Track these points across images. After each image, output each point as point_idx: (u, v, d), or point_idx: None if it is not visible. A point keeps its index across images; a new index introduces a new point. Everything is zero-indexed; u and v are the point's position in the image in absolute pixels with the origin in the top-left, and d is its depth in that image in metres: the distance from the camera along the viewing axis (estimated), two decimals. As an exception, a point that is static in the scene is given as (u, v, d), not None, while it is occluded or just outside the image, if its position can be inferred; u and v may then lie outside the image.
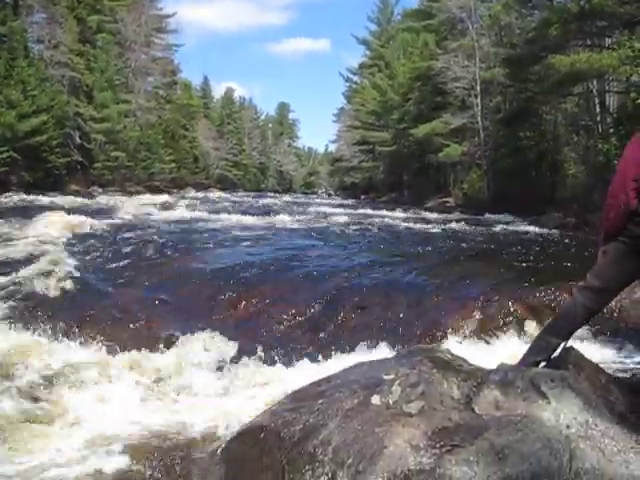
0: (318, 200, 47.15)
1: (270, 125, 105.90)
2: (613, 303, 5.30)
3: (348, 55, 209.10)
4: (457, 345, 5.17)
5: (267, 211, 21.11)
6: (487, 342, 5.37)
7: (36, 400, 4.11)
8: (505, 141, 26.11)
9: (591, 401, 2.66)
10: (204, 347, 5.30)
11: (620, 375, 4.11)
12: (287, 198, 44.98)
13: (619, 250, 3.23)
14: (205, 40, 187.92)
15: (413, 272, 7.53)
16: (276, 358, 5.13)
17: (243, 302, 6.39)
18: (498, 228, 15.72)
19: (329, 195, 68.85)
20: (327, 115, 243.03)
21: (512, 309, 5.95)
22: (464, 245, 10.95)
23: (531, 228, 15.80)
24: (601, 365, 3.71)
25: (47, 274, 6.97)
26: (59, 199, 25.48)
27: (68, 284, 6.74)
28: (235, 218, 16.07)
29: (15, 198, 26.86)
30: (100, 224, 12.54)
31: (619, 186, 3.20)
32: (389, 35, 58.12)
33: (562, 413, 2.55)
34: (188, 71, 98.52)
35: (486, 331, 5.55)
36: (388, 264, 8.11)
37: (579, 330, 3.81)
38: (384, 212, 22.81)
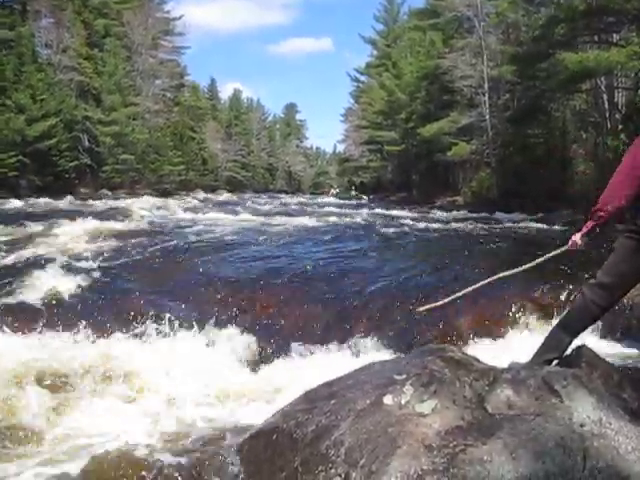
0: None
1: (278, 126, 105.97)
2: (625, 300, 5.28)
3: (351, 54, 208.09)
4: (468, 344, 5.17)
5: (276, 212, 21.14)
6: (498, 340, 5.36)
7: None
8: (513, 139, 26.02)
9: (604, 399, 2.65)
10: (217, 346, 5.33)
11: (633, 372, 4.10)
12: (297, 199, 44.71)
13: (628, 246, 3.22)
14: (207, 41, 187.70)
15: (424, 271, 7.53)
16: (288, 358, 5.14)
17: (255, 303, 6.41)
18: (508, 226, 15.67)
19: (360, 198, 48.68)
20: (333, 115, 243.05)
21: (523, 307, 5.94)
22: (474, 244, 10.92)
23: (541, 226, 15.72)
24: (614, 362, 3.70)
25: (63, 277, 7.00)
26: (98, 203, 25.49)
27: (83, 287, 6.77)
28: (246, 218, 16.11)
29: (29, 201, 26.91)
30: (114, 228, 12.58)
31: (621, 183, 3.22)
32: (396, 34, 58.01)
33: (575, 411, 2.54)
34: (192, 72, 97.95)
35: (497, 329, 5.53)
36: (399, 263, 8.10)
37: (591, 327, 3.80)
38: (393, 212, 22.81)
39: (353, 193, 56.30)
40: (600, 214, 3.32)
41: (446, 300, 3.92)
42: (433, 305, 4.06)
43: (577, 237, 3.47)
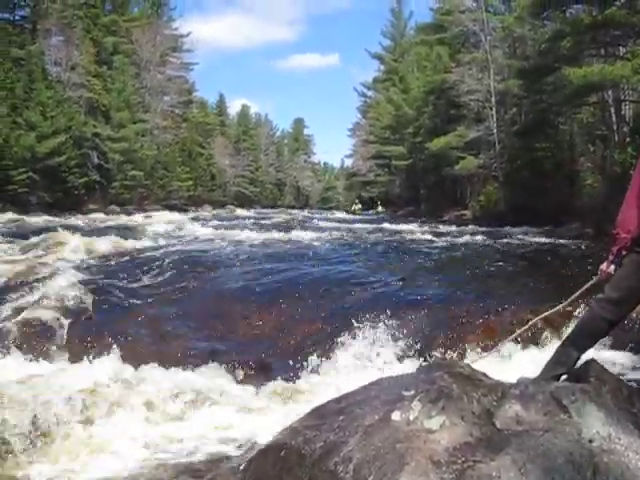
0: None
1: (286, 141, 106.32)
2: (634, 314, 5.26)
3: (358, 70, 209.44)
4: (477, 359, 5.15)
5: (285, 227, 21.17)
6: (506, 356, 5.33)
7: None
8: (521, 152, 25.98)
9: (614, 414, 2.63)
10: (223, 362, 5.32)
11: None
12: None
13: (636, 261, 3.21)
14: (214, 57, 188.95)
15: (432, 286, 7.52)
16: (296, 373, 5.14)
17: (262, 317, 6.43)
18: (516, 240, 15.61)
19: None
20: (340, 130, 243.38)
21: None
22: (482, 258, 10.89)
23: (549, 239, 15.68)
24: (623, 377, 3.68)
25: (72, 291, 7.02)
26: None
27: (88, 303, 6.79)
28: (253, 235, 16.14)
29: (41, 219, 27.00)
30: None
31: (636, 201, 3.19)
32: (402, 49, 58.37)
33: (584, 427, 2.53)
34: (200, 88, 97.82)
35: (505, 344, 5.50)
36: (407, 278, 8.09)
37: (600, 342, 3.79)
38: (401, 226, 22.82)
39: (380, 209, 52.38)
40: (623, 236, 3.26)
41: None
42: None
43: (605, 266, 3.41)
